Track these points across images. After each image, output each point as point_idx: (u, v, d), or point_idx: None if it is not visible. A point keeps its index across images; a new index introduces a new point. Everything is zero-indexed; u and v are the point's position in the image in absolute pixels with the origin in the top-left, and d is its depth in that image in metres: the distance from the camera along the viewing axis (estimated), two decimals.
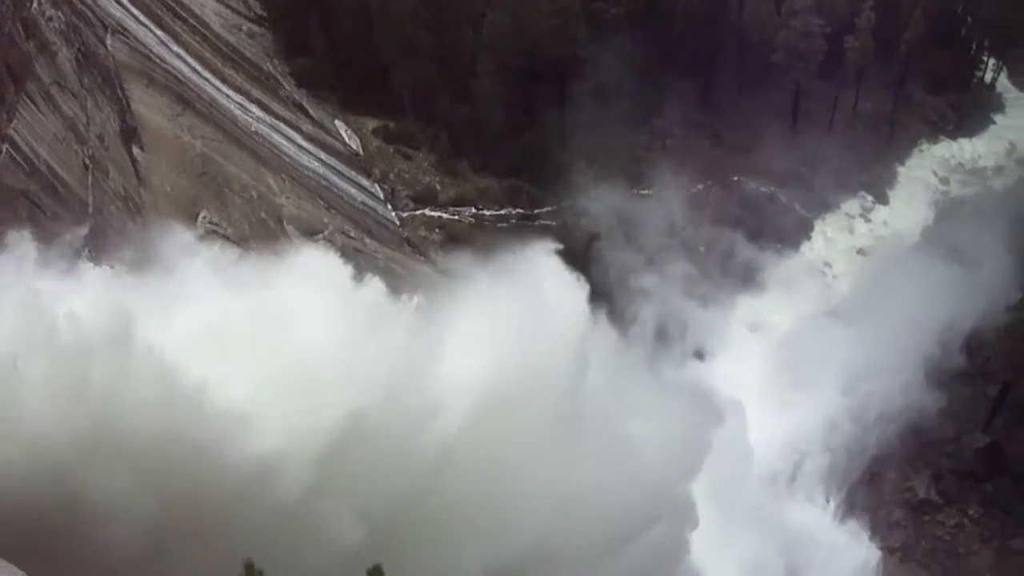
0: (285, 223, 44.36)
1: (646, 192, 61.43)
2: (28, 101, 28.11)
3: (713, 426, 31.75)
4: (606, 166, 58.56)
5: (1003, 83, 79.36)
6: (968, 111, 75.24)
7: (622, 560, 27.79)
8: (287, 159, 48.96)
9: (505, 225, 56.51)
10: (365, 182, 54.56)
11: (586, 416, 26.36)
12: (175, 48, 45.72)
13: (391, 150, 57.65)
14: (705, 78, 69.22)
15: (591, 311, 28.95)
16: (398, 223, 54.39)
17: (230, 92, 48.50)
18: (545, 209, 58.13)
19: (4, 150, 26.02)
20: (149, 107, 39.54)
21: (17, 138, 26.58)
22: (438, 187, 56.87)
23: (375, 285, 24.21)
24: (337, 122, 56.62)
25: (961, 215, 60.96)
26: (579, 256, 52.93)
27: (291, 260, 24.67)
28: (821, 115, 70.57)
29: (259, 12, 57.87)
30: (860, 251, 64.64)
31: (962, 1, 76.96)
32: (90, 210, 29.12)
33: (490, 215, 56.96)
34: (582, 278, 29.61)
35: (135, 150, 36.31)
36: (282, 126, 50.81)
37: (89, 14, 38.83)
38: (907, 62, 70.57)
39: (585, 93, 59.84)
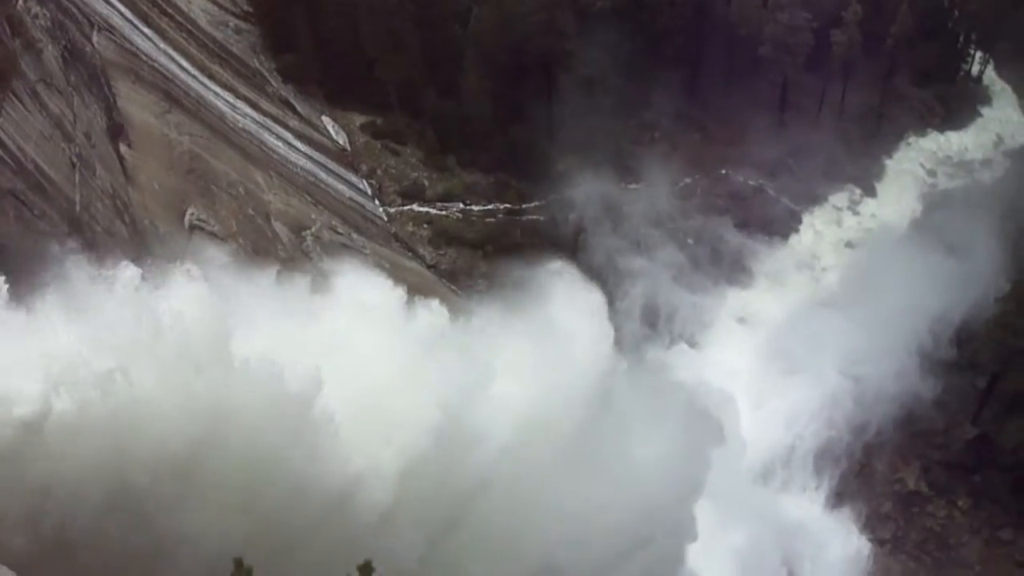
0: (273, 219, 44.23)
1: (634, 185, 61.42)
2: (14, 99, 27.89)
3: (713, 445, 32.21)
4: (594, 160, 58.25)
5: (990, 76, 79.33)
6: (955, 104, 75.19)
7: (623, 572, 28.34)
8: (274, 155, 48.84)
9: (493, 220, 56.45)
10: (353, 178, 54.47)
11: (600, 438, 26.93)
12: (162, 45, 45.52)
13: (378, 146, 57.51)
14: (692, 71, 69.12)
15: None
16: (386, 219, 54.37)
17: (217, 89, 48.32)
18: (533, 204, 58.05)
19: None
20: (136, 104, 39.30)
21: (3, 136, 26.36)
22: (426, 182, 56.78)
23: (435, 308, 24.82)
24: (324, 118, 56.44)
25: (949, 207, 60.97)
26: (568, 248, 53.32)
27: (338, 285, 25.14)
28: (809, 108, 70.46)
29: (245, 8, 57.61)
30: (848, 244, 64.59)
31: None
32: (77, 208, 28.93)
33: (478, 210, 56.86)
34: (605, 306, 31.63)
35: (122, 147, 36.11)
36: (269, 122, 50.69)
37: (75, 11, 38.55)
38: (894, 55, 70.50)
39: (572, 87, 59.57)
